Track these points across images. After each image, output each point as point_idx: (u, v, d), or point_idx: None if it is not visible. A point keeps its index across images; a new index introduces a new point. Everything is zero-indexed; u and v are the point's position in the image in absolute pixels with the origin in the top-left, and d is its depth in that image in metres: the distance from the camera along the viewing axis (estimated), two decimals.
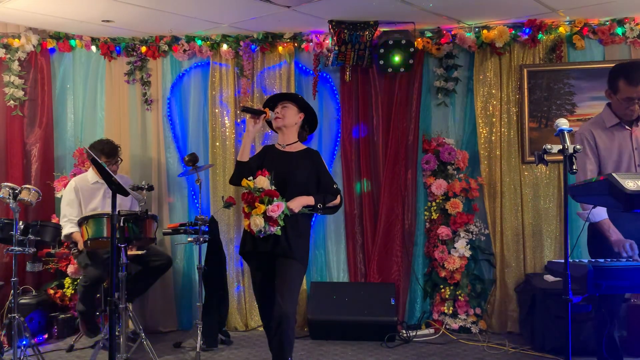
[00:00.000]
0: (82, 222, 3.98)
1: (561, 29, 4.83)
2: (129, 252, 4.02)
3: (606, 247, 3.03)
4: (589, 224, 3.15)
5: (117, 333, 3.69)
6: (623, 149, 3.12)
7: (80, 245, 4.28)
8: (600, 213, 3.04)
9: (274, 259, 3.29)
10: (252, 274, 3.54)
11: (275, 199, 3.15)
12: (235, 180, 3.44)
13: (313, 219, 3.53)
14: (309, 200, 3.30)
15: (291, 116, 3.43)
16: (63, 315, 4.84)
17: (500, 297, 4.92)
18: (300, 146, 3.50)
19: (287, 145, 3.46)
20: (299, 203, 3.26)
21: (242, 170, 3.36)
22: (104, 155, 4.49)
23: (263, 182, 3.18)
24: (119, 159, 4.63)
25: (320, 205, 3.32)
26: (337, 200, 3.45)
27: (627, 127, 3.13)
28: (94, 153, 4.49)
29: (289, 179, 3.31)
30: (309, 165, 3.40)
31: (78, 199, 4.49)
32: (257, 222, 3.14)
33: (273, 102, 3.52)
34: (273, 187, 3.20)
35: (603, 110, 3.23)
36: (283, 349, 3.19)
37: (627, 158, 3.12)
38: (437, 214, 5.00)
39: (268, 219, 3.14)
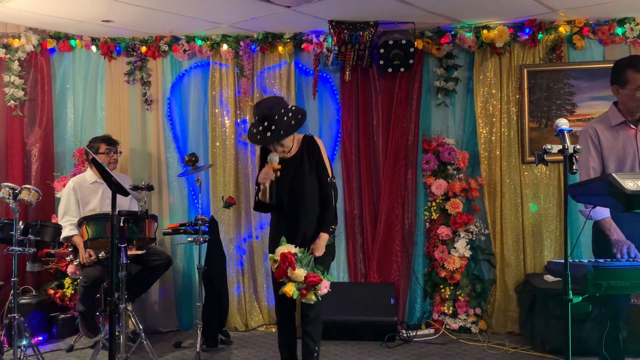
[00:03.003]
0: (82, 222, 3.99)
1: (561, 29, 4.83)
2: (129, 252, 4.02)
3: (609, 246, 3.03)
4: (593, 223, 3.15)
5: (117, 333, 3.69)
6: (627, 148, 3.11)
7: (82, 253, 4.27)
8: (602, 211, 3.03)
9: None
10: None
11: (319, 284, 3.16)
12: (258, 210, 3.45)
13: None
14: (326, 237, 3.31)
15: (289, 142, 3.29)
16: (63, 315, 4.85)
17: (500, 297, 4.92)
18: (297, 142, 3.36)
19: (288, 152, 3.35)
20: (322, 247, 3.29)
21: (267, 209, 3.36)
22: (104, 142, 4.57)
23: (299, 274, 3.13)
24: (119, 149, 4.69)
25: (332, 228, 3.35)
26: (333, 202, 3.37)
27: (632, 126, 3.12)
28: (93, 145, 4.53)
29: (302, 186, 3.29)
30: (311, 162, 3.31)
31: (76, 200, 4.49)
32: (312, 299, 3.20)
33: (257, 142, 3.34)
34: (305, 264, 3.17)
35: (609, 109, 3.21)
36: (313, 341, 3.28)
37: (631, 157, 3.11)
38: (437, 214, 5.00)
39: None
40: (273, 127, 3.10)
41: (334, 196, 3.36)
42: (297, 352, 3.48)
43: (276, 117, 3.10)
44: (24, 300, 4.60)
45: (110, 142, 4.64)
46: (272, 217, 3.47)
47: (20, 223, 3.72)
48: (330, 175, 3.35)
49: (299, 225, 3.30)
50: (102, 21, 4.72)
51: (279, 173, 3.17)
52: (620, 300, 3.11)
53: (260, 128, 3.13)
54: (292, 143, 3.33)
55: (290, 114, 3.17)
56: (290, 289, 3.12)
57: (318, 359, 3.31)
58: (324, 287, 3.19)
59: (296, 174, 3.30)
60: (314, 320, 3.29)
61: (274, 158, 3.18)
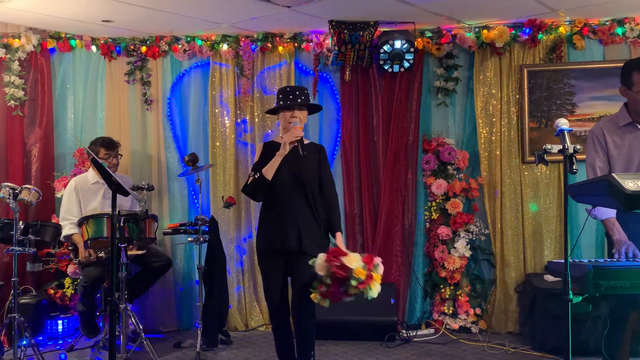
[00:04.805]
0: (82, 222, 3.99)
1: (561, 29, 4.83)
2: (129, 252, 4.02)
3: None
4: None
5: (117, 333, 3.69)
6: (634, 149, 3.11)
7: (81, 250, 4.28)
8: (606, 211, 3.03)
9: (296, 257, 3.26)
10: (268, 274, 3.38)
11: (376, 262, 2.99)
12: (250, 193, 3.37)
13: None
14: (341, 237, 3.37)
15: (304, 120, 3.41)
16: (63, 315, 4.84)
17: (500, 297, 4.92)
18: (304, 140, 3.42)
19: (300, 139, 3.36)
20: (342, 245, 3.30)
21: (264, 188, 3.29)
22: (103, 147, 4.52)
23: (355, 259, 2.93)
24: (119, 153, 4.66)
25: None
26: (339, 209, 3.50)
27: (639, 127, 3.13)
28: (93, 148, 4.52)
29: (303, 176, 3.30)
30: (315, 160, 3.38)
31: (78, 199, 4.49)
32: (378, 289, 2.98)
33: (287, 105, 3.36)
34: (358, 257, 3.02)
35: (619, 110, 3.22)
36: (306, 345, 3.24)
37: (638, 158, 3.11)
38: (437, 214, 5.00)
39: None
40: (302, 97, 3.34)
41: (337, 203, 3.45)
42: (295, 354, 3.44)
43: (306, 92, 3.40)
44: (24, 300, 4.60)
45: (109, 146, 4.57)
46: (260, 217, 3.42)
47: (21, 223, 3.73)
48: (333, 182, 3.47)
49: (293, 214, 3.25)
50: (102, 21, 4.72)
51: (302, 133, 3.26)
52: (624, 303, 3.09)
53: (291, 97, 3.34)
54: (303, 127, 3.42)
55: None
56: (357, 290, 2.88)
57: None
58: (381, 268, 3.00)
59: (299, 163, 3.29)
60: (307, 328, 3.22)
61: (297, 124, 3.28)
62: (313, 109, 3.52)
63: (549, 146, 2.50)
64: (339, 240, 3.32)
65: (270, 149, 3.38)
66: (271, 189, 3.28)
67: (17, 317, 3.69)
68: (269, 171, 3.26)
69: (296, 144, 3.23)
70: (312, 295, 3.00)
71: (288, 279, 3.38)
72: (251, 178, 3.32)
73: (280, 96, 3.38)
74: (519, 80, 4.93)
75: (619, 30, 4.76)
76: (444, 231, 4.92)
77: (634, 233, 3.02)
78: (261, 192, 3.31)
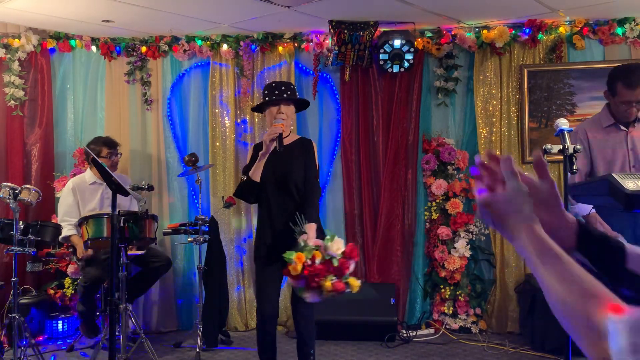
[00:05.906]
0: (82, 222, 3.98)
1: (561, 29, 4.83)
2: (129, 252, 4.02)
3: None
4: None
5: (117, 333, 3.69)
6: (617, 149, 3.14)
7: (80, 250, 4.28)
8: (586, 207, 3.06)
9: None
10: (261, 277, 3.35)
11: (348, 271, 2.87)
12: (240, 196, 3.42)
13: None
14: (314, 226, 3.13)
15: (291, 116, 3.36)
16: (63, 315, 4.84)
17: (500, 297, 4.92)
18: (293, 136, 3.41)
19: (286, 135, 3.30)
20: (314, 234, 3.07)
21: (252, 191, 3.26)
22: (105, 145, 4.54)
23: (338, 243, 2.89)
24: (119, 151, 4.68)
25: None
26: (316, 200, 3.30)
27: (622, 127, 3.16)
28: (94, 148, 4.53)
29: (289, 175, 3.25)
30: (301, 155, 3.32)
31: (76, 200, 4.49)
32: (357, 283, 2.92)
33: (273, 100, 3.33)
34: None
35: (602, 110, 3.25)
36: (306, 345, 3.20)
37: (622, 158, 3.14)
38: (437, 214, 5.00)
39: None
40: (289, 92, 3.31)
41: (315, 196, 3.29)
42: (276, 356, 3.34)
43: (292, 87, 3.37)
44: (24, 300, 4.60)
45: (111, 145, 4.60)
46: (258, 219, 3.40)
47: (21, 223, 3.72)
48: (317, 176, 3.35)
49: (281, 214, 3.21)
50: (102, 21, 4.72)
51: (283, 130, 3.16)
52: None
53: (277, 92, 3.30)
54: (290, 127, 3.35)
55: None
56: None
57: None
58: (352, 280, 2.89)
59: (285, 162, 3.26)
60: (307, 328, 3.20)
61: (280, 121, 3.21)
62: (300, 105, 3.47)
63: (549, 146, 2.51)
64: (312, 231, 3.05)
65: (257, 150, 3.36)
66: (260, 191, 3.26)
67: (17, 317, 3.69)
68: (255, 172, 3.22)
69: (275, 140, 3.10)
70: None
71: (284, 280, 3.36)
72: (241, 181, 3.32)
73: (266, 92, 3.34)
74: (519, 80, 4.93)
75: (619, 30, 4.76)
76: (444, 231, 4.92)
77: (619, 226, 3.04)
78: (251, 195, 3.30)
